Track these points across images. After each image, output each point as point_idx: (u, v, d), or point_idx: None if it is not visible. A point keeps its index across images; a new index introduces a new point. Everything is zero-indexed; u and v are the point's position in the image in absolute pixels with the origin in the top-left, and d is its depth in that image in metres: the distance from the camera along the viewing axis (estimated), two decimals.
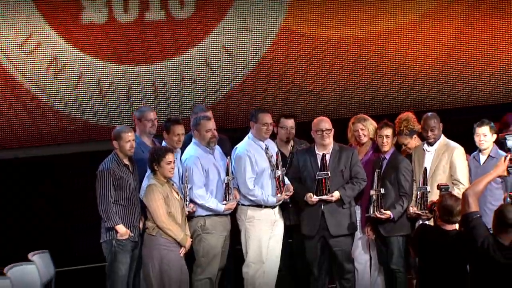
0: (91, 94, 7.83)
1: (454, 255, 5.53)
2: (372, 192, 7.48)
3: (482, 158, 7.48)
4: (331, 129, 7.56)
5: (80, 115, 7.98)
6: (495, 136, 7.43)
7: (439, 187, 6.76)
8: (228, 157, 7.48)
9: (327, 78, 9.82)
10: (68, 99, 7.65)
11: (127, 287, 7.16)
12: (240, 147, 7.55)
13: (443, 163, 7.53)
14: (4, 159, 7.77)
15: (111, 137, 7.12)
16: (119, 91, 7.98)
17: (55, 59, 7.07)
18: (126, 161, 7.02)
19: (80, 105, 7.88)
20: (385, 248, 7.57)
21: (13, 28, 6.91)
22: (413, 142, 7.78)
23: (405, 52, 10.11)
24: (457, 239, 5.57)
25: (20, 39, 6.92)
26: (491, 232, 5.28)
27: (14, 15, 6.78)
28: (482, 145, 7.44)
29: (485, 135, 7.43)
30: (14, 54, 6.98)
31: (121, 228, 6.86)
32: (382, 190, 7.43)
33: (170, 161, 6.93)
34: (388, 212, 7.38)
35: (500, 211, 5.35)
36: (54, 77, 7.16)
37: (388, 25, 10.08)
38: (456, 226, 5.68)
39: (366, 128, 7.78)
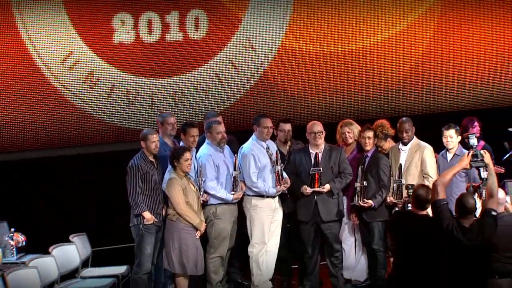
0: (121, 102, 7.84)
1: (425, 236, 5.64)
2: (357, 184, 7.61)
3: (449, 156, 7.61)
4: (322, 132, 7.66)
5: (112, 120, 8.02)
6: (459, 137, 7.54)
7: (407, 187, 7.02)
8: (236, 155, 7.62)
9: (318, 88, 9.86)
10: (102, 107, 7.73)
11: (151, 264, 7.24)
12: (246, 146, 7.67)
13: (415, 160, 7.66)
14: (51, 156, 7.82)
15: (138, 138, 7.21)
16: (144, 100, 7.97)
17: (90, 73, 7.17)
18: (151, 158, 7.14)
19: (111, 111, 7.92)
20: (367, 231, 7.71)
21: (56, 47, 6.97)
22: (387, 144, 7.86)
23: (383, 66, 10.12)
24: (427, 222, 5.73)
25: (61, 56, 7.00)
26: (455, 216, 5.55)
27: (57, 36, 6.84)
28: (449, 145, 7.57)
29: (451, 137, 7.55)
30: (57, 69, 7.04)
31: (147, 215, 6.99)
32: (365, 183, 7.56)
33: (188, 159, 7.08)
34: (370, 201, 7.52)
35: (461, 199, 5.62)
36: (90, 88, 7.25)
37: (368, 43, 10.05)
38: (426, 212, 5.85)
39: (351, 131, 7.90)
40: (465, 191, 6.67)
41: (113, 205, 7.93)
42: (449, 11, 10.27)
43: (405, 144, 7.76)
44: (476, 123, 8.69)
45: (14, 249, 7.11)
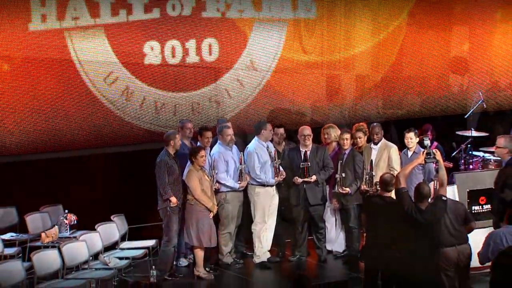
0: (150, 111, 7.90)
1: (389, 216, 5.86)
2: (337, 176, 7.72)
3: (409, 153, 7.79)
4: (310, 135, 7.81)
5: (143, 125, 8.04)
6: (417, 139, 7.72)
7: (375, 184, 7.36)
8: (241, 153, 7.75)
9: (307, 98, 9.81)
10: (135, 114, 7.81)
11: (177, 238, 7.37)
12: (250, 146, 7.83)
13: (383, 157, 7.83)
14: (96, 154, 7.89)
15: (163, 139, 7.33)
16: (168, 109, 8.03)
17: (126, 88, 7.26)
18: (173, 155, 7.28)
19: (143, 118, 7.95)
20: (345, 213, 7.82)
21: (100, 68, 7.00)
22: (362, 141, 7.91)
23: (361, 76, 10.12)
24: (391, 204, 5.98)
25: (104, 74, 7.11)
26: (413, 201, 5.79)
27: (100, 59, 6.90)
28: (409, 145, 7.79)
29: (411, 138, 7.77)
30: (100, 84, 7.12)
31: (173, 199, 7.16)
32: (343, 175, 7.70)
33: (203, 156, 7.25)
34: (347, 189, 7.68)
35: (418, 187, 5.90)
36: (126, 100, 7.29)
37: (349, 55, 9.94)
38: (390, 194, 6.10)
39: (328, 133, 8.05)
40: (421, 181, 6.81)
41: (143, 191, 7.90)
42: (414, 31, 10.19)
43: (375, 144, 7.97)
44: (430, 128, 8.85)
45: (68, 227, 7.21)
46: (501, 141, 6.71)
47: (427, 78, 10.38)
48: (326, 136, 8.06)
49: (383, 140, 8.04)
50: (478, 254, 5.54)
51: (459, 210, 5.96)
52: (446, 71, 10.55)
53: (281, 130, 8.07)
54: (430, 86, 10.44)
